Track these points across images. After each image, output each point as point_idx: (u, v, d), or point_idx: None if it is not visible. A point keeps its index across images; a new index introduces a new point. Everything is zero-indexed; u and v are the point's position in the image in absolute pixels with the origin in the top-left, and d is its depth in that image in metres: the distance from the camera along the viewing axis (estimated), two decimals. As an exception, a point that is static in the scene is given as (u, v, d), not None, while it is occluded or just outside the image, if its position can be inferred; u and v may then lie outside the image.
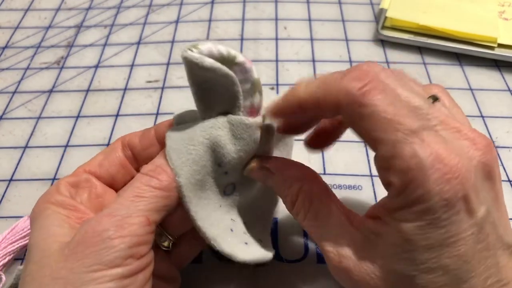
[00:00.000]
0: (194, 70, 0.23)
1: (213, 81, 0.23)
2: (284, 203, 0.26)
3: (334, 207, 0.23)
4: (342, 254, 0.22)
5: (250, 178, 0.27)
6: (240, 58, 0.23)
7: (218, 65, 0.22)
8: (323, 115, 0.24)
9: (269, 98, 0.44)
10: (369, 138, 0.21)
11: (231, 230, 0.26)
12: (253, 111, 0.25)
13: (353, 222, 0.22)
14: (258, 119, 0.25)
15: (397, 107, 0.20)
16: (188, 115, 0.27)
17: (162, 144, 0.26)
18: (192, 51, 0.22)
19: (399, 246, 0.20)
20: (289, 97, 0.24)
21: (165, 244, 0.26)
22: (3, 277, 0.31)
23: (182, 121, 0.26)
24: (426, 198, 0.19)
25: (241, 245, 0.26)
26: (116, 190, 0.27)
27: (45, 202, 0.24)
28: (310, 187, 0.24)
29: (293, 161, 0.27)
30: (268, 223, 0.30)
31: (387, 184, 0.21)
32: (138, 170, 0.26)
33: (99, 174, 0.26)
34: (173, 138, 0.25)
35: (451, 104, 0.24)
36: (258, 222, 0.29)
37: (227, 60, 0.23)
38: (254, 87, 0.25)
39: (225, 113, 0.25)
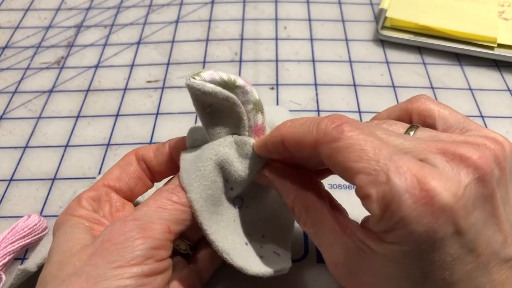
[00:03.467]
0: (198, 96, 0.24)
1: (216, 105, 0.25)
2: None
3: (328, 217, 0.23)
4: (336, 262, 0.23)
5: (257, 189, 0.28)
6: (240, 81, 0.25)
7: (218, 89, 0.24)
8: (303, 155, 0.25)
9: (269, 98, 0.45)
10: (346, 170, 0.21)
11: (246, 244, 0.27)
12: (258, 130, 0.27)
13: (347, 231, 0.22)
14: None
15: (372, 139, 0.20)
16: (199, 134, 0.28)
17: (176, 160, 0.28)
18: (194, 78, 0.24)
19: (385, 266, 0.20)
20: (274, 133, 0.25)
21: (183, 247, 0.27)
22: (3, 277, 0.31)
23: (194, 139, 0.28)
24: (403, 224, 0.19)
25: (255, 259, 0.27)
26: (133, 201, 0.29)
27: (68, 215, 0.25)
28: (304, 197, 0.25)
29: (290, 168, 0.26)
30: (289, 233, 0.30)
31: (368, 210, 0.21)
32: (153, 182, 0.29)
33: (118, 188, 0.28)
34: (185, 160, 0.26)
35: (439, 109, 0.24)
36: (277, 234, 0.28)
37: (228, 85, 0.25)
38: (257, 108, 0.26)
39: (232, 134, 0.26)
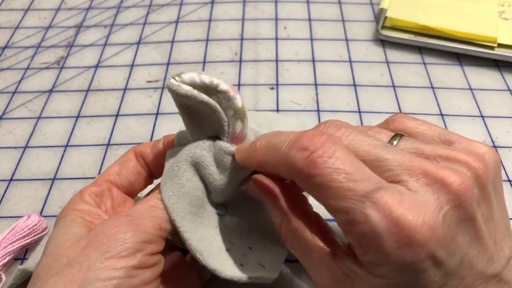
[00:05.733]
0: (174, 97, 0.25)
1: (193, 107, 0.25)
2: None
3: (316, 243, 0.23)
4: (325, 285, 0.23)
5: (244, 200, 0.27)
6: (223, 86, 0.24)
7: (194, 92, 0.24)
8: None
9: (269, 98, 0.45)
10: (326, 206, 0.20)
11: (226, 250, 0.26)
12: (236, 138, 0.26)
13: (335, 257, 0.22)
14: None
15: (348, 170, 0.20)
16: (185, 134, 0.28)
17: None
18: (175, 79, 0.24)
19: None
20: (250, 154, 0.24)
21: (177, 240, 0.27)
22: (3, 277, 0.31)
23: (180, 138, 0.28)
24: (387, 262, 0.19)
25: (233, 265, 0.26)
26: (133, 197, 0.29)
27: (70, 209, 0.26)
28: (292, 221, 0.24)
29: (278, 184, 0.25)
30: (284, 248, 0.28)
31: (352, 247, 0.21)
32: (152, 178, 0.30)
33: (119, 183, 0.28)
34: (168, 159, 0.27)
35: (416, 126, 0.24)
36: (268, 247, 0.28)
37: (210, 89, 0.24)
38: (237, 115, 0.25)
39: (214, 137, 0.26)
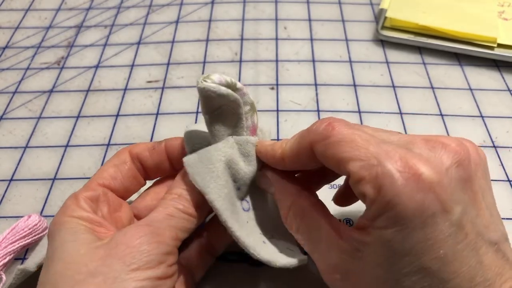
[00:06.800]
0: (210, 98, 0.25)
1: (224, 106, 0.26)
2: (280, 214, 0.27)
3: (324, 222, 0.24)
4: (332, 265, 0.23)
5: (259, 192, 0.29)
6: (238, 84, 0.27)
7: (230, 91, 0.25)
8: (302, 164, 0.26)
9: (269, 98, 0.45)
10: (339, 161, 0.22)
11: (264, 242, 0.28)
12: (253, 130, 0.28)
13: (343, 235, 0.23)
14: (257, 138, 0.29)
15: (359, 133, 0.22)
16: (197, 137, 0.29)
17: (172, 160, 0.29)
18: (206, 81, 0.25)
19: (381, 253, 0.21)
20: (275, 154, 0.27)
21: None
22: (3, 277, 0.31)
23: (193, 143, 0.28)
24: (396, 201, 0.20)
25: (277, 253, 0.27)
26: (126, 199, 0.29)
27: (66, 216, 0.25)
28: (302, 202, 0.26)
29: (290, 173, 0.28)
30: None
31: (362, 197, 0.22)
32: (145, 180, 0.30)
33: (114, 187, 0.28)
34: (192, 165, 0.26)
35: None
36: (284, 233, 0.29)
37: (231, 87, 0.26)
38: (253, 108, 0.28)
39: (231, 135, 0.28)
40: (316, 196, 0.27)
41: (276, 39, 0.51)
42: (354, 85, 0.45)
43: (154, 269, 0.22)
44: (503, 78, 0.46)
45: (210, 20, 0.53)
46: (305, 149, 0.24)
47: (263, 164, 0.28)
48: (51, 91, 0.45)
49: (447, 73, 0.46)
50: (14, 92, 0.45)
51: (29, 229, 0.32)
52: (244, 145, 0.27)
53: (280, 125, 0.41)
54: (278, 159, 0.26)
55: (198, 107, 0.42)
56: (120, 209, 0.28)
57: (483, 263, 0.20)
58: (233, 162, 0.27)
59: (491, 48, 0.46)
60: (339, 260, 0.23)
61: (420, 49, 0.49)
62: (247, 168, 0.27)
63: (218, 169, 0.26)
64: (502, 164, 0.38)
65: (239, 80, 0.45)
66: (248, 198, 0.29)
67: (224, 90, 0.25)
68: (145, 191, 0.31)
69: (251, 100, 0.28)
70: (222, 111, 0.26)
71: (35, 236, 0.32)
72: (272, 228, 0.29)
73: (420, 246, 0.20)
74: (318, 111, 0.43)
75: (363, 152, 0.21)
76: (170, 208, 0.25)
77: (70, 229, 0.24)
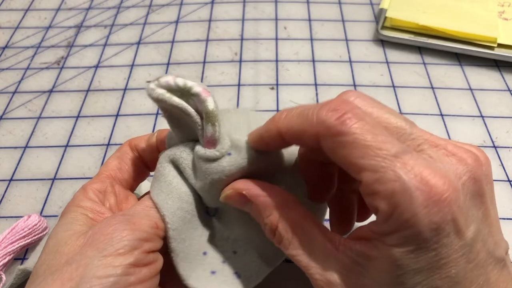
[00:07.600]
0: (156, 101, 0.24)
1: (170, 110, 0.24)
2: (264, 231, 0.24)
3: (317, 234, 0.23)
4: (330, 280, 0.22)
5: (234, 208, 0.26)
6: (195, 89, 0.24)
7: (165, 96, 0.23)
8: (303, 146, 0.24)
9: (269, 98, 0.44)
10: (351, 166, 0.20)
11: (204, 253, 0.26)
12: (209, 142, 0.25)
13: (339, 247, 0.22)
14: (209, 152, 0.25)
15: (376, 132, 0.20)
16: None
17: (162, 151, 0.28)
18: (150, 83, 0.24)
19: (389, 271, 0.20)
20: (269, 126, 0.24)
21: None
22: (3, 277, 0.31)
23: (171, 139, 0.27)
24: (414, 221, 0.19)
25: (202, 271, 0.26)
26: (133, 191, 0.30)
27: (73, 205, 0.26)
28: (291, 215, 0.23)
29: (271, 186, 0.24)
30: (270, 257, 0.27)
31: (374, 210, 0.20)
32: (148, 169, 0.30)
33: (121, 178, 0.28)
34: (158, 160, 0.26)
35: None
36: (251, 256, 0.27)
37: (184, 92, 0.24)
38: (208, 119, 0.24)
39: (193, 140, 0.26)
40: (302, 205, 0.24)
41: (276, 39, 0.50)
42: (354, 85, 0.45)
43: (126, 255, 0.22)
44: (503, 78, 0.46)
45: (210, 20, 0.53)
46: (309, 138, 0.21)
47: (234, 179, 0.25)
48: (51, 91, 0.45)
49: (447, 73, 0.46)
50: (14, 92, 0.45)
51: (29, 229, 0.32)
52: (195, 154, 0.25)
53: (280, 125, 0.41)
54: (275, 135, 0.23)
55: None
56: (126, 200, 0.28)
57: (489, 280, 0.20)
58: (179, 168, 0.26)
59: (491, 48, 0.46)
60: (338, 275, 0.22)
61: (420, 49, 0.49)
62: (193, 180, 0.25)
63: (165, 168, 0.25)
64: (502, 164, 0.38)
65: (239, 80, 0.45)
66: (217, 207, 0.27)
67: (156, 94, 0.23)
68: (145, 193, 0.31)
69: (207, 109, 0.24)
70: (170, 114, 0.25)
71: (35, 236, 0.32)
72: (239, 245, 0.27)
73: (432, 265, 0.19)
74: (318, 111, 0.43)
75: (379, 161, 0.19)
76: (149, 200, 0.25)
77: (69, 219, 0.25)
